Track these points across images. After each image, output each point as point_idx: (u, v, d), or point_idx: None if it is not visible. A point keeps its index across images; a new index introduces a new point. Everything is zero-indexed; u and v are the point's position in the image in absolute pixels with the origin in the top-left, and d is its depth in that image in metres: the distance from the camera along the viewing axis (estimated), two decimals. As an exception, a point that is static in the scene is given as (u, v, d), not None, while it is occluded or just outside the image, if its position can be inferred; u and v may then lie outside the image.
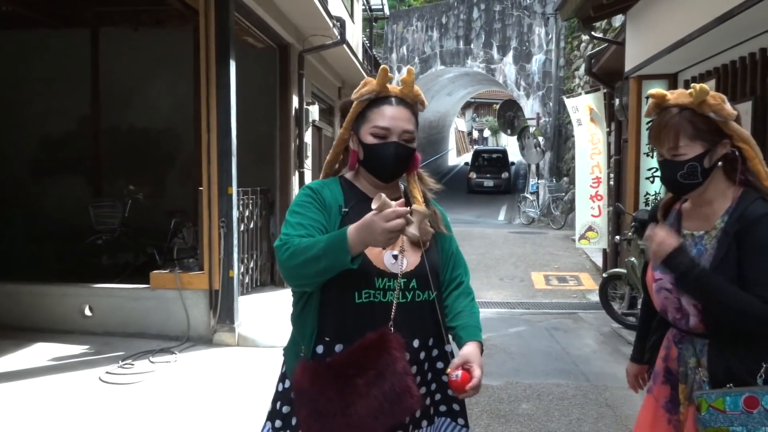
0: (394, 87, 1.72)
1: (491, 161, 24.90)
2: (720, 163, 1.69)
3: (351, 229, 1.50)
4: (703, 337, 1.72)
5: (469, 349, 1.66)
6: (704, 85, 1.65)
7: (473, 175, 23.62)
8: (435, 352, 1.73)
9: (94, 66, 7.92)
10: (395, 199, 1.54)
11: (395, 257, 1.63)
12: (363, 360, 1.54)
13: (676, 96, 1.69)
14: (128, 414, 3.87)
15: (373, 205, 1.46)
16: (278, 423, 1.72)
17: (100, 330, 5.56)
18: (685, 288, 1.69)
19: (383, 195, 1.45)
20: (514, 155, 24.69)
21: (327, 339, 1.65)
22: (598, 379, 4.79)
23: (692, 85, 1.68)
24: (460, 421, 1.80)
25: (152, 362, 4.85)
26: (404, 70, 1.75)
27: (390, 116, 1.67)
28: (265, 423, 1.78)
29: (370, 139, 1.68)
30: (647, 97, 1.76)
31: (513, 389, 4.51)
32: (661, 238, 1.67)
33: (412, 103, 1.72)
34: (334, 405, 1.53)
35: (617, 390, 4.52)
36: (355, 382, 1.53)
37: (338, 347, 1.63)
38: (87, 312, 5.64)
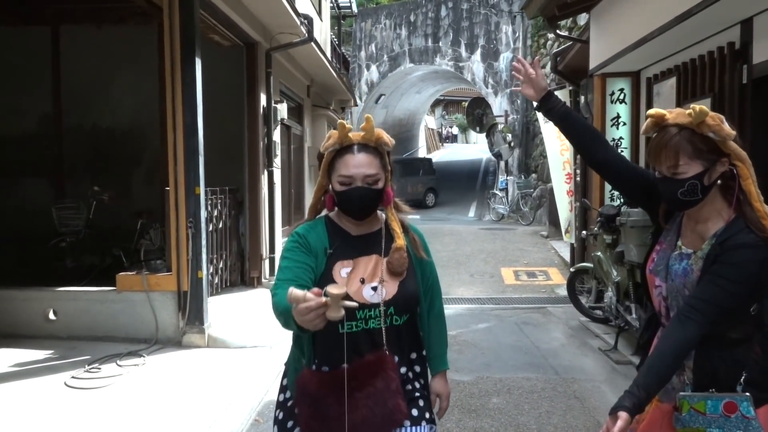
0: (356, 134, 1.87)
1: None
2: (719, 182, 1.73)
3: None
4: None
5: (435, 384, 2.06)
6: (703, 106, 1.67)
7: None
8: (417, 368, 1.97)
9: (56, 65, 7.73)
10: (374, 234, 1.91)
11: (374, 289, 1.84)
12: (363, 376, 1.78)
13: (675, 115, 1.72)
14: (96, 419, 3.80)
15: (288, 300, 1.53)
16: (275, 430, 1.92)
17: (65, 334, 5.44)
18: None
19: (294, 290, 1.49)
20: (483, 152, 24.61)
21: (316, 361, 1.86)
22: (567, 372, 4.87)
23: (691, 106, 1.70)
24: (430, 419, 1.98)
25: (120, 366, 4.77)
26: (364, 119, 1.86)
27: (352, 165, 1.85)
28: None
29: (338, 187, 1.87)
30: (646, 117, 1.79)
31: (483, 384, 4.56)
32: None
33: (375, 146, 1.87)
34: (334, 409, 1.76)
35: (585, 382, 4.61)
36: (354, 394, 1.76)
37: (324, 369, 1.84)
38: (51, 316, 5.51)
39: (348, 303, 1.55)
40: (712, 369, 1.72)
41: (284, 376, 1.98)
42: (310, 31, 7.93)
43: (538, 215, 15.53)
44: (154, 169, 7.14)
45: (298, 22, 7.49)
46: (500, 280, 9.08)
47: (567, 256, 9.44)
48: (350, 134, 1.85)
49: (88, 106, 7.90)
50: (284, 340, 4.98)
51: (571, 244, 8.60)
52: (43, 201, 7.30)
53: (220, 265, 6.66)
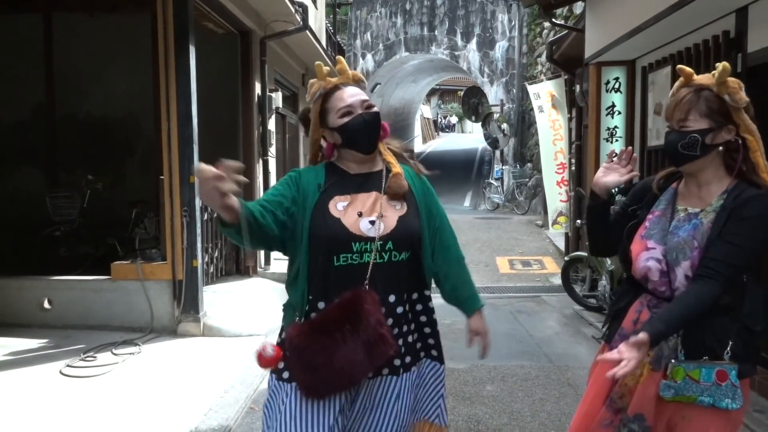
0: (335, 79, 1.94)
1: None
2: (721, 148, 1.79)
3: None
4: None
5: (473, 322, 2.05)
6: (727, 65, 1.74)
7: None
8: (418, 306, 1.95)
9: (48, 52, 7.66)
10: (375, 173, 1.91)
11: (372, 223, 1.83)
12: (340, 316, 1.75)
13: (701, 77, 1.81)
14: (91, 406, 3.81)
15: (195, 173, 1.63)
16: (274, 375, 1.90)
17: (60, 323, 5.44)
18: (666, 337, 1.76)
19: (201, 165, 1.64)
20: (479, 141, 24.46)
21: (310, 297, 1.85)
22: (560, 359, 4.91)
23: (717, 64, 1.77)
24: (437, 356, 2.04)
25: (115, 354, 4.77)
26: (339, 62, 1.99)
27: (348, 95, 1.89)
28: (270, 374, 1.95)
29: (340, 121, 1.87)
30: (678, 70, 1.87)
31: (478, 372, 4.59)
32: (633, 355, 1.64)
33: (356, 83, 1.95)
34: (320, 356, 1.74)
35: (578, 370, 4.64)
36: (335, 336, 1.74)
37: (320, 305, 1.84)
38: (46, 305, 5.51)
39: (240, 177, 1.64)
40: (702, 335, 1.77)
41: (282, 319, 2.00)
42: (304, 19, 7.89)
43: (533, 204, 15.56)
44: (148, 158, 7.11)
45: (293, 10, 7.45)
46: (495, 269, 9.11)
47: (561, 245, 9.47)
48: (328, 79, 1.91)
49: (82, 95, 7.85)
50: (279, 328, 5.00)
51: (566, 233, 8.63)
52: (36, 190, 7.26)
53: (215, 254, 6.65)
